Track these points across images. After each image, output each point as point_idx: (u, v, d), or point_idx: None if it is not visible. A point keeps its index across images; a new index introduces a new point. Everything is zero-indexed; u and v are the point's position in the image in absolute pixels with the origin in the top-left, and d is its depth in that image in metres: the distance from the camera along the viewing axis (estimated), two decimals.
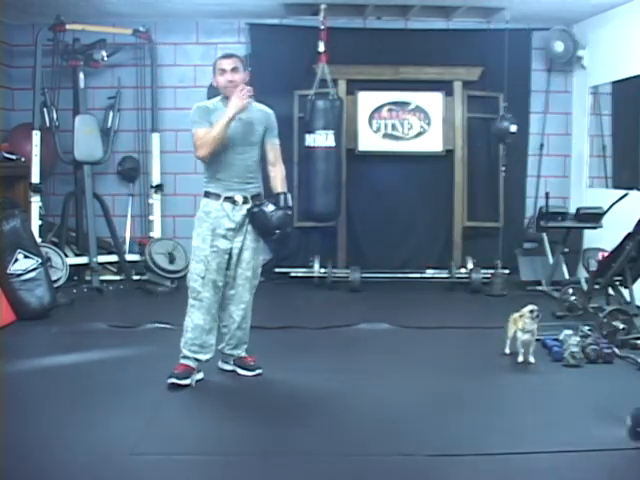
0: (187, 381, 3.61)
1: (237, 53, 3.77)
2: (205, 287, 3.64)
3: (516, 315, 4.13)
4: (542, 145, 6.86)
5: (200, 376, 3.70)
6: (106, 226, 6.34)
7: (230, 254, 3.68)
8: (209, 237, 3.64)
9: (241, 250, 3.69)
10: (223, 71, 3.64)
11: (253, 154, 3.70)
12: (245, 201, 3.66)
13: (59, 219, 6.28)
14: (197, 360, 3.67)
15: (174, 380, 3.58)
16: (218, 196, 3.65)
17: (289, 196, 3.75)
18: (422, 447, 2.95)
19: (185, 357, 3.66)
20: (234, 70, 3.64)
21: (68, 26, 5.98)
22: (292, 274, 6.46)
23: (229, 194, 3.64)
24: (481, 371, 4.00)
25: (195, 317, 3.67)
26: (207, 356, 3.71)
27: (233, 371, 3.86)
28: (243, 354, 3.86)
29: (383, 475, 2.76)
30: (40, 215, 5.95)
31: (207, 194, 3.69)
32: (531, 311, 4.02)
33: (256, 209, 3.65)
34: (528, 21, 6.55)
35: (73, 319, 5.07)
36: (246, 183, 3.67)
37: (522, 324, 4.02)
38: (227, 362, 3.88)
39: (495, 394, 3.70)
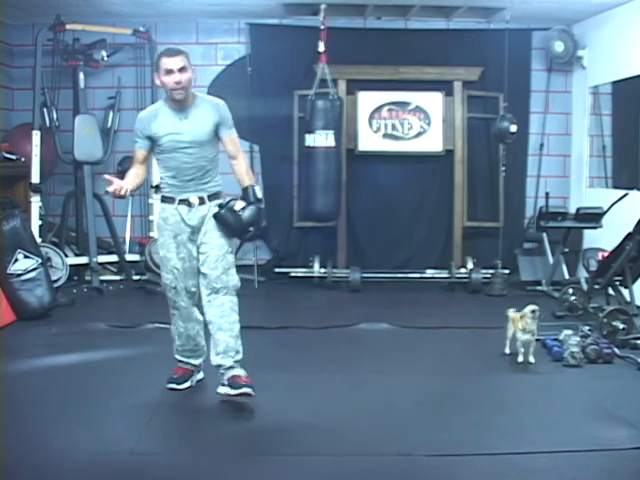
0: (186, 384, 3.60)
1: (182, 49, 3.39)
2: (178, 296, 3.49)
3: (516, 314, 4.12)
4: (542, 145, 6.85)
5: (200, 376, 3.69)
6: (106, 226, 6.34)
7: (198, 257, 3.44)
8: (173, 245, 3.43)
9: (202, 251, 3.41)
10: (169, 71, 3.30)
11: (206, 153, 3.41)
12: (202, 202, 3.41)
13: (59, 219, 6.29)
14: (192, 364, 3.64)
15: (173, 386, 3.57)
16: (172, 199, 3.41)
17: (257, 188, 3.48)
18: (422, 447, 2.95)
19: (180, 362, 3.64)
20: (182, 70, 3.31)
21: (68, 26, 5.98)
22: (292, 274, 6.45)
23: (183, 196, 3.40)
24: (481, 371, 4.00)
25: (178, 325, 3.57)
26: (200, 360, 3.64)
27: (227, 394, 3.40)
28: (237, 372, 3.38)
29: (383, 475, 2.76)
30: (40, 215, 5.95)
31: (163, 198, 3.48)
32: (532, 311, 4.02)
33: (222, 211, 3.37)
34: (528, 21, 6.55)
35: (73, 319, 5.07)
36: (202, 183, 3.42)
37: (523, 324, 4.02)
38: (223, 384, 3.42)
39: (495, 394, 3.70)
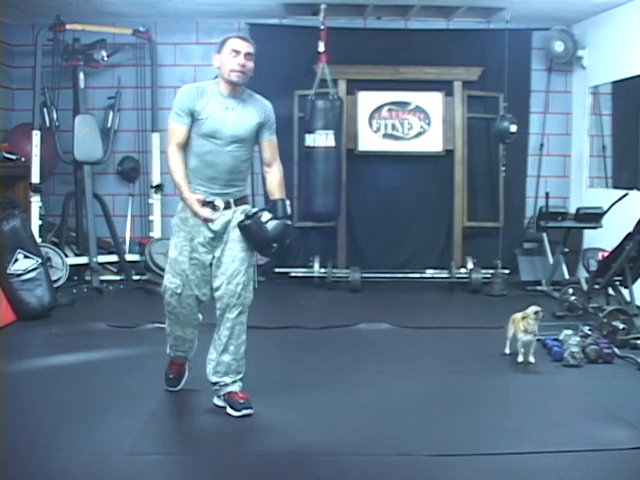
0: (183, 381, 3.58)
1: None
2: (182, 303, 3.27)
3: (518, 315, 4.12)
4: (542, 145, 6.86)
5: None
6: (106, 226, 6.34)
7: (211, 265, 3.25)
8: (187, 248, 3.21)
9: (222, 261, 3.22)
10: (236, 52, 3.12)
11: (243, 152, 3.22)
12: (227, 206, 3.20)
13: (59, 219, 6.29)
14: (185, 358, 3.56)
15: (171, 389, 3.55)
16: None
17: (288, 203, 3.25)
18: (422, 447, 2.95)
19: (174, 357, 3.56)
20: (248, 55, 3.15)
21: (68, 26, 5.98)
22: (292, 274, 6.45)
23: (209, 198, 3.18)
24: (481, 371, 4.00)
25: (174, 329, 3.40)
26: (193, 353, 3.54)
27: (224, 408, 3.32)
28: (234, 388, 3.30)
29: (383, 475, 2.76)
30: (40, 215, 5.95)
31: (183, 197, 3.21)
32: (536, 312, 4.01)
33: (248, 222, 3.16)
34: (528, 21, 6.55)
35: (73, 319, 5.07)
36: (230, 186, 3.22)
37: (525, 325, 4.01)
38: (219, 396, 3.34)
39: (495, 394, 3.70)
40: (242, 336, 3.30)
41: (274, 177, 3.32)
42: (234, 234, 3.22)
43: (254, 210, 3.24)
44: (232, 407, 3.26)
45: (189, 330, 3.42)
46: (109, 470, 2.73)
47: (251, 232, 3.17)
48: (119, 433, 3.06)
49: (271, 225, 3.15)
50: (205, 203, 3.18)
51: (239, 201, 3.27)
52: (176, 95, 3.20)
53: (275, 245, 3.18)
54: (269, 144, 3.31)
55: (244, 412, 3.23)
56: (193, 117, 3.15)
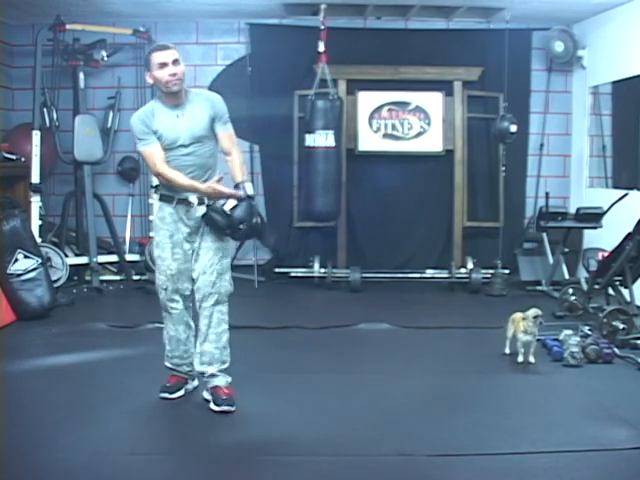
0: (179, 393, 3.51)
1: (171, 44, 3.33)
2: (169, 298, 3.41)
3: (518, 315, 4.12)
4: (542, 145, 6.86)
5: (195, 384, 3.60)
6: (106, 226, 6.34)
7: (193, 259, 3.38)
8: (168, 245, 3.36)
9: (198, 253, 3.35)
10: (163, 64, 3.21)
11: (205, 149, 3.34)
12: (201, 202, 3.32)
13: (59, 219, 6.29)
14: (182, 372, 3.54)
15: (166, 395, 3.48)
16: (171, 198, 3.33)
17: (248, 184, 3.33)
18: (422, 447, 2.95)
19: (171, 369, 3.54)
20: (175, 62, 3.23)
21: (68, 26, 5.98)
22: (292, 274, 6.45)
23: (182, 196, 3.31)
24: (481, 371, 4.00)
25: (169, 328, 3.49)
26: (189, 368, 3.52)
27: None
28: (219, 382, 3.38)
29: (383, 475, 2.76)
30: (40, 215, 5.95)
31: (161, 197, 3.38)
32: (535, 317, 4.01)
33: (209, 211, 3.29)
34: (528, 21, 6.55)
35: (73, 319, 5.07)
36: (202, 182, 3.31)
37: (525, 326, 4.02)
38: (207, 389, 3.45)
39: (495, 394, 3.70)
40: (222, 325, 3.39)
41: (234, 162, 3.40)
42: (207, 228, 3.35)
43: (212, 201, 3.34)
44: (214, 402, 3.34)
45: (181, 328, 3.48)
46: (109, 470, 2.73)
47: (213, 220, 3.30)
48: (119, 433, 3.07)
49: (235, 209, 3.26)
50: (179, 200, 3.32)
51: (212, 196, 3.34)
52: (132, 127, 3.32)
53: (242, 226, 3.27)
54: (225, 134, 3.39)
55: (224, 408, 3.30)
56: (156, 134, 3.28)
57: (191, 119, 3.30)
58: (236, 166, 3.38)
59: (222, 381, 3.39)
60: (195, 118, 3.30)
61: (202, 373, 3.42)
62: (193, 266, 3.37)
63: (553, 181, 6.82)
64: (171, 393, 3.50)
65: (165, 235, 3.37)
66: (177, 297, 3.43)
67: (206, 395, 3.44)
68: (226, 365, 3.41)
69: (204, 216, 3.32)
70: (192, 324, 3.54)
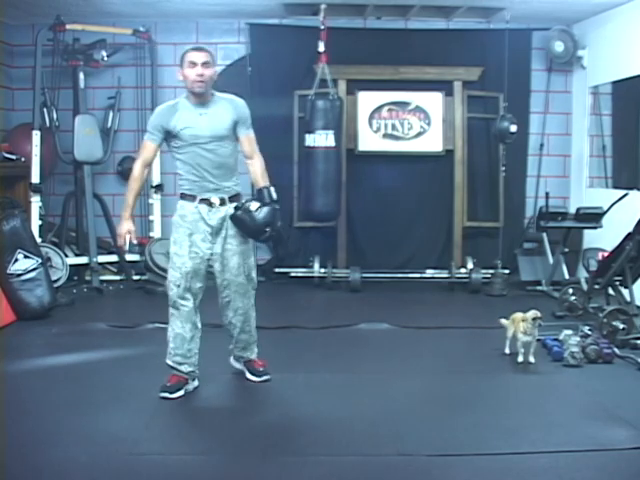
0: (179, 393, 3.50)
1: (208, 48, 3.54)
2: (181, 296, 3.47)
3: (518, 315, 4.12)
4: (542, 145, 6.85)
5: (195, 384, 3.60)
6: (106, 226, 6.34)
7: (212, 259, 3.51)
8: (186, 243, 3.46)
9: (224, 256, 3.49)
10: (193, 64, 3.39)
11: (225, 149, 3.47)
12: (222, 203, 3.46)
13: (59, 219, 6.29)
14: (183, 372, 3.54)
15: (166, 395, 3.47)
16: (193, 198, 3.46)
17: (272, 189, 3.53)
18: (422, 447, 2.95)
19: (172, 368, 3.55)
20: (205, 65, 3.40)
21: (68, 26, 5.98)
22: (292, 274, 6.45)
23: (205, 195, 3.44)
24: (481, 371, 4.00)
25: (175, 326, 3.51)
26: (190, 368, 3.54)
27: (242, 371, 3.78)
28: (253, 357, 3.77)
29: (383, 475, 2.76)
30: (40, 215, 5.95)
31: (182, 196, 3.51)
32: (534, 319, 4.01)
33: (238, 212, 3.43)
34: (528, 21, 6.55)
35: (73, 319, 5.07)
36: (222, 183, 3.47)
37: (524, 327, 4.02)
38: (238, 360, 3.80)
39: (495, 394, 3.70)
40: (253, 314, 3.71)
41: (256, 167, 3.60)
42: (232, 230, 3.49)
43: (242, 201, 3.50)
44: (253, 374, 3.73)
45: (188, 326, 3.52)
46: (109, 470, 2.73)
47: (242, 222, 3.44)
48: (119, 433, 3.06)
49: (261, 212, 3.43)
50: (201, 200, 3.45)
51: (233, 198, 3.51)
52: (152, 114, 3.55)
53: (267, 230, 3.46)
54: (247, 138, 3.56)
55: (264, 378, 3.70)
56: (169, 132, 3.44)
57: (214, 118, 3.44)
58: (258, 170, 3.59)
59: (254, 355, 3.76)
60: (218, 118, 3.45)
61: (240, 357, 3.77)
62: (219, 267, 3.51)
63: (553, 181, 6.82)
64: (171, 393, 3.49)
65: (184, 233, 3.46)
66: (189, 295, 3.49)
67: (237, 365, 3.80)
68: (256, 342, 3.77)
69: (233, 216, 3.45)
70: (199, 325, 3.58)
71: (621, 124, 6.44)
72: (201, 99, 3.45)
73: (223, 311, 3.65)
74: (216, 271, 3.54)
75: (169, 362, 3.55)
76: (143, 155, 3.54)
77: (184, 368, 3.54)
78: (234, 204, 3.49)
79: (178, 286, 3.47)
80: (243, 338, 3.70)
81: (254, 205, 3.43)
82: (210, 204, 3.45)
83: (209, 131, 3.41)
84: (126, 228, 3.52)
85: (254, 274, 3.64)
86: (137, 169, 3.56)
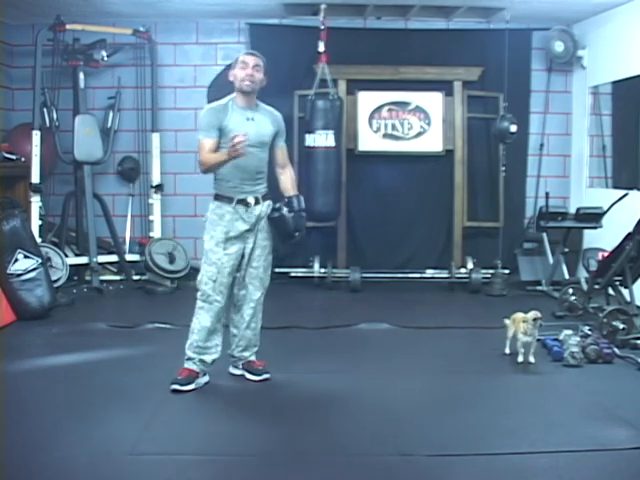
0: (190, 386, 3.57)
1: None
2: (216, 290, 3.61)
3: (519, 315, 4.12)
4: (542, 145, 6.85)
5: (206, 379, 3.67)
6: (106, 226, 6.35)
7: (242, 254, 3.67)
8: (223, 240, 3.61)
9: (252, 249, 3.68)
10: (245, 65, 3.64)
11: (262, 155, 3.68)
12: (257, 202, 3.65)
13: (59, 219, 6.29)
14: (202, 361, 3.63)
15: (177, 387, 3.54)
16: (231, 199, 3.61)
17: (302, 198, 3.74)
18: (422, 447, 2.95)
19: (189, 359, 3.62)
20: (256, 67, 3.66)
21: (68, 26, 5.98)
22: (292, 274, 6.45)
23: (241, 196, 3.62)
24: (481, 371, 4.00)
25: (203, 319, 3.62)
26: (212, 357, 3.65)
27: (242, 375, 3.81)
28: (252, 358, 3.82)
29: (383, 475, 2.76)
30: (40, 215, 5.95)
31: (218, 197, 3.65)
32: (534, 319, 4.01)
33: (276, 214, 3.65)
34: (528, 21, 6.55)
35: (73, 319, 5.07)
36: (256, 184, 3.66)
37: (524, 327, 4.02)
38: (236, 366, 3.84)
39: (495, 394, 3.70)
40: (259, 314, 3.83)
41: (287, 177, 3.82)
42: (260, 225, 3.69)
43: (277, 205, 3.70)
44: (252, 373, 3.78)
45: (215, 320, 3.65)
46: (109, 470, 2.73)
47: (280, 223, 3.66)
48: (119, 433, 3.06)
49: (293, 218, 3.66)
50: (238, 201, 3.62)
51: (265, 197, 3.73)
52: (201, 115, 3.68)
53: (297, 235, 3.67)
54: (281, 150, 3.81)
55: (264, 377, 3.75)
56: (220, 131, 3.58)
57: (260, 125, 3.65)
58: (289, 180, 3.81)
59: (253, 356, 3.82)
60: (263, 125, 3.67)
61: (235, 357, 3.80)
62: (242, 260, 3.67)
63: (553, 181, 6.82)
64: (182, 385, 3.55)
65: (222, 231, 3.61)
66: (224, 290, 3.64)
67: (236, 371, 3.83)
68: (257, 348, 3.84)
69: (273, 217, 3.65)
70: (223, 321, 3.73)
71: (621, 124, 6.44)
72: (248, 101, 3.65)
73: (238, 306, 3.76)
74: (242, 264, 3.69)
75: (189, 353, 3.63)
76: (206, 149, 3.56)
77: (205, 357, 3.64)
78: (267, 202, 3.70)
79: (214, 281, 3.60)
80: (247, 335, 3.77)
81: (286, 211, 3.65)
82: (247, 204, 3.62)
83: (255, 136, 3.58)
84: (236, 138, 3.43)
85: (269, 272, 3.80)
86: (203, 155, 3.56)
